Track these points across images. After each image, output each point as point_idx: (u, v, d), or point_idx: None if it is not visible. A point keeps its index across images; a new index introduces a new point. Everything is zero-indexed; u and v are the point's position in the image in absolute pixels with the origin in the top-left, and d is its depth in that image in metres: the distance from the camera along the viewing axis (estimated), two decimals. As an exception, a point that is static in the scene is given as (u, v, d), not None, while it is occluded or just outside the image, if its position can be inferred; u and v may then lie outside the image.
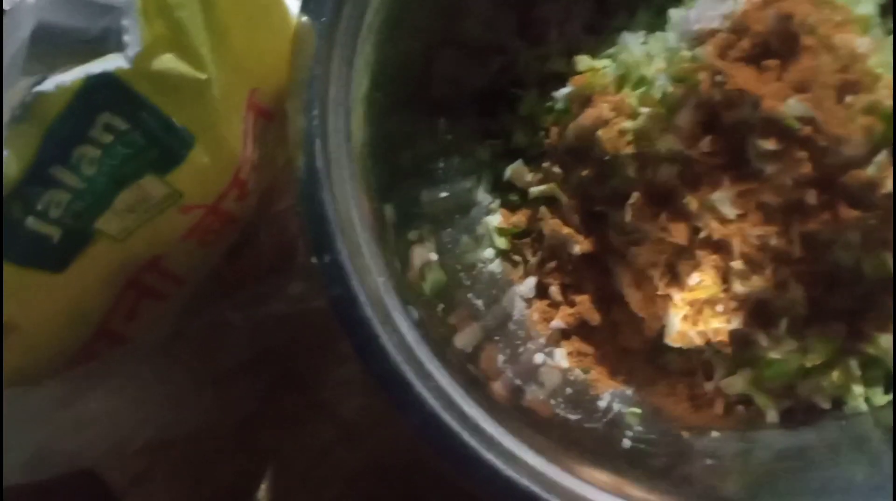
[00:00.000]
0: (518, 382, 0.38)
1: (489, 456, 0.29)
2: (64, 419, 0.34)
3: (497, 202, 0.44)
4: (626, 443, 0.36)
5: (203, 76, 0.29)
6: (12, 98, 0.30)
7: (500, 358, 0.39)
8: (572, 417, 0.37)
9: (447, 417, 0.30)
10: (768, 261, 0.35)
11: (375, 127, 0.36)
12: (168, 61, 0.28)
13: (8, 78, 0.29)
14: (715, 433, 0.38)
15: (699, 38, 0.36)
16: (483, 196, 0.44)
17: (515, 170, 0.43)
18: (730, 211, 0.35)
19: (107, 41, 0.29)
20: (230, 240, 0.36)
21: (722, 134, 0.35)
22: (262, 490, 0.44)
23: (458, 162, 0.43)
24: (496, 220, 0.43)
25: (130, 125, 0.28)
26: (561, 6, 0.43)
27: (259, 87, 0.34)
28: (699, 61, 0.35)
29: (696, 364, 0.40)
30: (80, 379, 0.33)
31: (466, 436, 0.30)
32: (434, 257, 0.39)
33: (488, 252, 0.43)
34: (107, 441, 0.37)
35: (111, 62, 0.27)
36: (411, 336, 0.32)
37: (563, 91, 0.40)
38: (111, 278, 0.32)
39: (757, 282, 0.36)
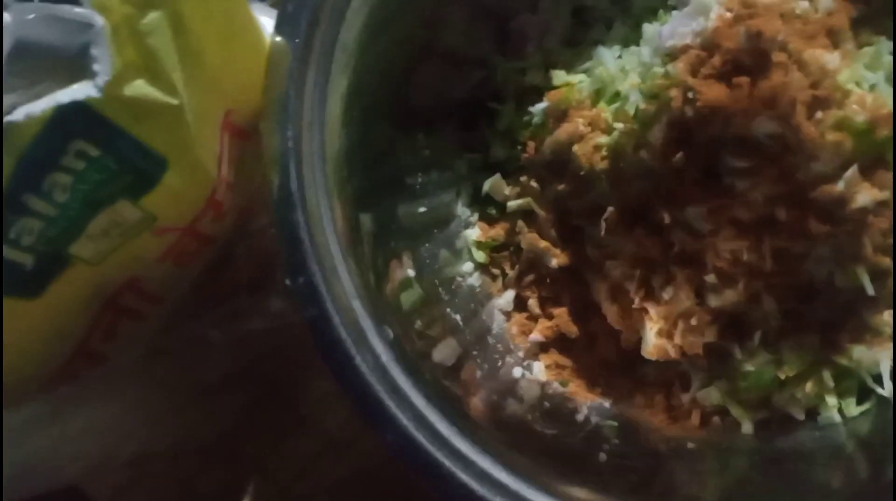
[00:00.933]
0: (496, 397, 0.38)
1: (463, 476, 0.30)
2: (46, 437, 0.34)
3: (476, 216, 0.44)
4: (603, 457, 0.36)
5: (175, 101, 0.29)
6: None
7: (479, 373, 0.39)
8: (549, 432, 0.37)
9: (421, 437, 0.30)
10: (741, 275, 0.36)
11: (353, 141, 0.36)
12: (139, 88, 0.28)
13: None
14: (691, 445, 0.38)
15: (672, 55, 0.36)
16: (462, 210, 0.44)
17: (493, 184, 0.43)
18: (702, 226, 0.35)
19: (87, 58, 0.30)
20: (207, 259, 0.36)
21: (694, 150, 0.35)
22: (246, 503, 0.44)
23: (437, 176, 0.43)
24: (475, 233, 0.43)
25: (103, 151, 0.28)
26: (539, 19, 0.44)
27: (234, 107, 0.34)
28: (671, 78, 0.35)
29: (672, 376, 0.40)
30: (62, 398, 0.33)
31: (440, 456, 0.30)
32: (411, 272, 0.39)
33: (467, 266, 0.43)
34: (90, 457, 0.37)
35: (81, 90, 0.27)
36: (386, 357, 0.32)
37: (540, 106, 0.40)
38: (88, 300, 0.32)
39: (730, 296, 0.36)
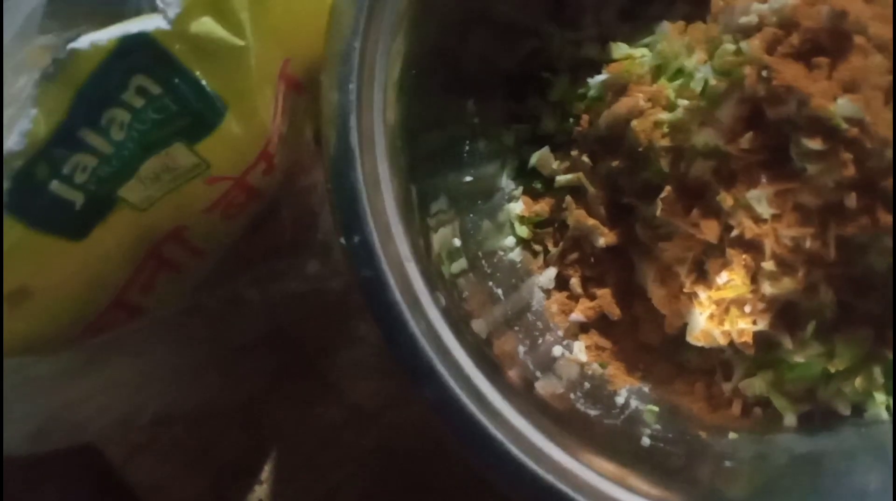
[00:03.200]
0: (536, 372, 0.37)
1: (517, 452, 0.29)
2: (74, 389, 0.32)
3: (520, 189, 0.43)
4: (646, 441, 0.36)
5: (241, 42, 0.28)
6: (34, 56, 0.29)
7: (521, 349, 0.38)
8: (592, 412, 0.36)
9: (474, 409, 0.29)
10: (800, 263, 0.35)
11: (407, 105, 0.35)
12: (207, 25, 0.27)
13: (25, 35, 0.28)
14: (732, 435, 0.37)
15: (745, 32, 0.35)
16: (506, 182, 0.43)
17: (541, 157, 0.42)
18: (765, 210, 0.34)
19: (125, 3, 0.28)
20: (252, 214, 0.35)
21: (763, 131, 0.34)
22: (267, 471, 0.43)
23: (484, 146, 0.42)
24: (518, 207, 0.42)
25: (164, 90, 0.27)
26: (597, -9, 0.42)
27: (292, 57, 0.32)
28: (745, 55, 0.34)
29: (714, 363, 0.39)
30: (94, 350, 0.32)
31: (492, 428, 0.29)
32: (457, 242, 0.38)
33: (509, 240, 0.42)
34: (114, 413, 0.35)
35: (148, 22, 0.26)
36: (439, 323, 0.31)
37: (598, 78, 0.39)
38: (131, 248, 0.31)
39: (787, 284, 0.35)
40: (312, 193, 0.38)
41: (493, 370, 0.32)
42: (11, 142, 0.26)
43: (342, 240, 0.30)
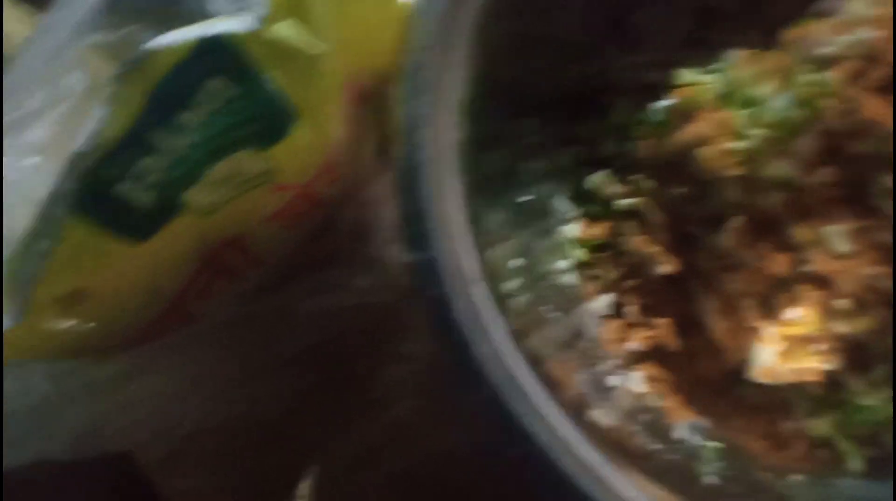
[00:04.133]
0: (594, 401, 0.36)
1: (587, 485, 0.28)
2: (122, 395, 0.32)
3: (576, 212, 0.42)
4: (708, 479, 0.34)
5: (320, 49, 0.27)
6: (84, 54, 0.28)
7: (576, 376, 0.37)
8: (652, 446, 0.35)
9: (542, 439, 0.28)
10: (875, 303, 0.33)
11: (473, 122, 0.34)
12: (288, 29, 0.26)
13: (79, 33, 0.28)
14: (795, 477, 0.36)
15: (823, 63, 0.34)
16: (562, 204, 0.42)
17: (601, 180, 0.41)
18: (843, 246, 0.33)
19: (179, 4, 0.28)
20: (312, 224, 0.34)
21: (841, 165, 0.33)
22: (303, 487, 0.42)
23: (541, 166, 0.41)
24: (574, 230, 0.41)
25: (239, 93, 0.26)
26: (661, 15, 0.41)
27: (360, 66, 0.32)
28: (825, 86, 0.33)
29: (775, 402, 0.38)
30: (144, 356, 0.31)
31: (562, 459, 0.28)
32: (519, 261, 0.37)
33: (563, 263, 0.41)
34: (156, 422, 0.35)
35: (228, 24, 0.25)
36: (504, 347, 0.30)
37: (664, 103, 0.38)
38: (190, 253, 0.30)
39: (861, 323, 0.34)
40: (368, 205, 0.37)
41: (556, 396, 0.31)
42: (81, 142, 0.25)
43: (408, 257, 0.30)
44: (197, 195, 0.28)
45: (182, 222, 0.29)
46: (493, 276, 0.35)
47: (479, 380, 0.28)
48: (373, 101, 0.33)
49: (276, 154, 0.29)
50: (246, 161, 0.28)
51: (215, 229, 0.30)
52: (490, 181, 0.37)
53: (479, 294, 0.30)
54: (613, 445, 0.34)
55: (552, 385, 0.33)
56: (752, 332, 0.36)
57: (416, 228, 0.29)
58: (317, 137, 0.29)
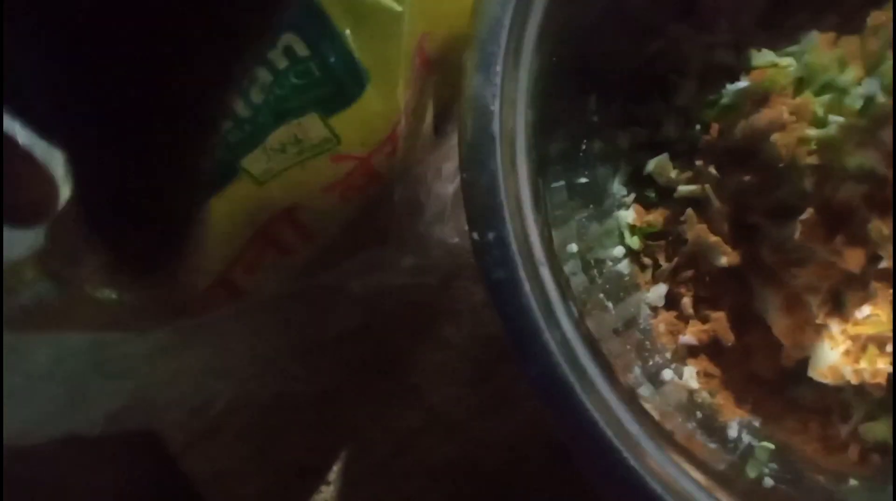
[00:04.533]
0: (648, 395, 0.35)
1: (653, 484, 0.26)
2: (159, 372, 0.30)
3: (632, 196, 0.40)
4: (768, 482, 0.33)
5: (399, 8, 0.25)
6: None
7: (628, 367, 0.35)
8: (710, 445, 0.34)
9: (610, 435, 0.27)
10: (952, 304, 0.32)
11: (540, 97, 0.32)
12: (368, -15, 0.24)
13: None
14: (853, 482, 0.34)
15: (914, 49, 0.32)
16: (618, 188, 0.40)
17: (660, 164, 0.39)
18: (923, 244, 0.31)
19: None
20: (368, 199, 0.32)
21: (928, 157, 0.31)
22: (335, 472, 0.40)
23: (599, 147, 0.39)
24: (630, 216, 0.40)
25: (311, 53, 0.24)
26: (734, -6, 0.40)
27: (430, 31, 0.30)
28: (916, 73, 0.31)
29: (831, 403, 0.36)
30: (185, 331, 0.29)
31: (630, 459, 0.26)
32: (574, 246, 0.35)
33: (618, 250, 0.39)
34: (191, 399, 0.33)
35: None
36: (572, 334, 0.28)
37: (738, 85, 0.36)
38: (242, 224, 0.28)
39: (933, 325, 0.32)
40: (422, 182, 0.35)
41: (611, 383, 0.29)
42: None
43: (474, 235, 0.28)
44: (255, 162, 0.26)
45: (237, 188, 0.27)
46: (555, 259, 0.33)
47: (545, 365, 0.27)
48: (437, 71, 0.31)
49: (342, 121, 0.27)
50: (310, 127, 0.26)
51: (269, 199, 0.28)
52: (549, 161, 0.35)
53: (547, 278, 0.28)
54: (666, 437, 0.32)
55: (608, 374, 0.32)
56: (817, 329, 0.34)
57: (485, 205, 0.28)
58: (386, 105, 0.28)
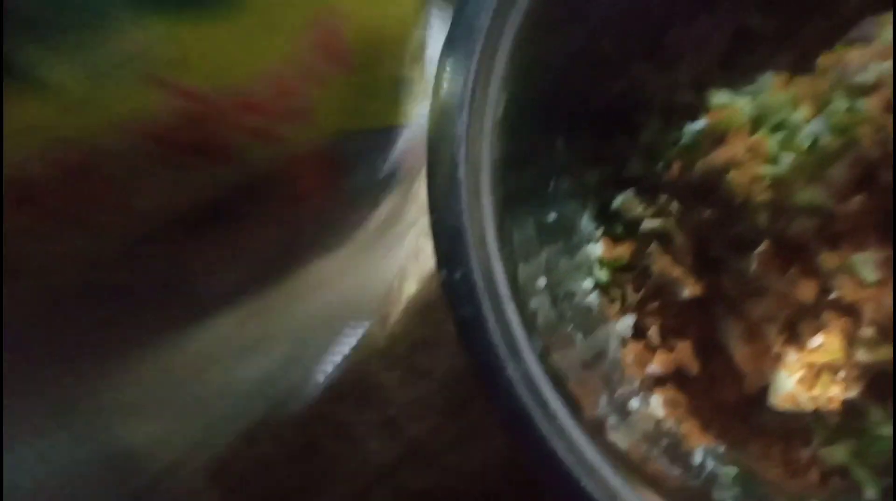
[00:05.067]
0: (614, 425, 0.36)
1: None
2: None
3: (600, 231, 0.42)
4: (731, 507, 0.34)
5: None
6: None
7: (594, 398, 0.37)
8: (673, 472, 0.35)
9: (572, 463, 0.28)
10: (901, 333, 0.33)
11: (506, 139, 0.34)
12: None
13: None
14: (814, 504, 0.36)
15: (860, 90, 0.34)
16: (587, 223, 0.42)
17: (626, 200, 0.41)
18: (871, 275, 0.33)
19: None
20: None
21: (874, 193, 0.33)
22: (316, 505, 0.41)
23: (568, 184, 0.41)
24: (598, 250, 0.41)
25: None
26: (696, 35, 0.41)
27: (346, 13, 0.28)
28: (860, 113, 0.33)
29: (793, 428, 0.38)
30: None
31: (593, 491, 0.28)
32: (543, 280, 0.37)
33: (587, 283, 0.41)
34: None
35: None
36: (536, 369, 0.29)
37: (696, 125, 0.38)
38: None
39: (884, 353, 0.34)
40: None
41: (578, 417, 0.30)
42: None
43: (443, 273, 0.29)
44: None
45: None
46: (521, 294, 0.34)
47: (508, 399, 0.28)
48: (354, 73, 0.30)
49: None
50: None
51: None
52: (517, 199, 0.37)
53: (512, 314, 0.30)
54: (632, 468, 0.34)
55: (574, 406, 0.33)
56: (775, 358, 0.36)
57: (453, 246, 0.29)
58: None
